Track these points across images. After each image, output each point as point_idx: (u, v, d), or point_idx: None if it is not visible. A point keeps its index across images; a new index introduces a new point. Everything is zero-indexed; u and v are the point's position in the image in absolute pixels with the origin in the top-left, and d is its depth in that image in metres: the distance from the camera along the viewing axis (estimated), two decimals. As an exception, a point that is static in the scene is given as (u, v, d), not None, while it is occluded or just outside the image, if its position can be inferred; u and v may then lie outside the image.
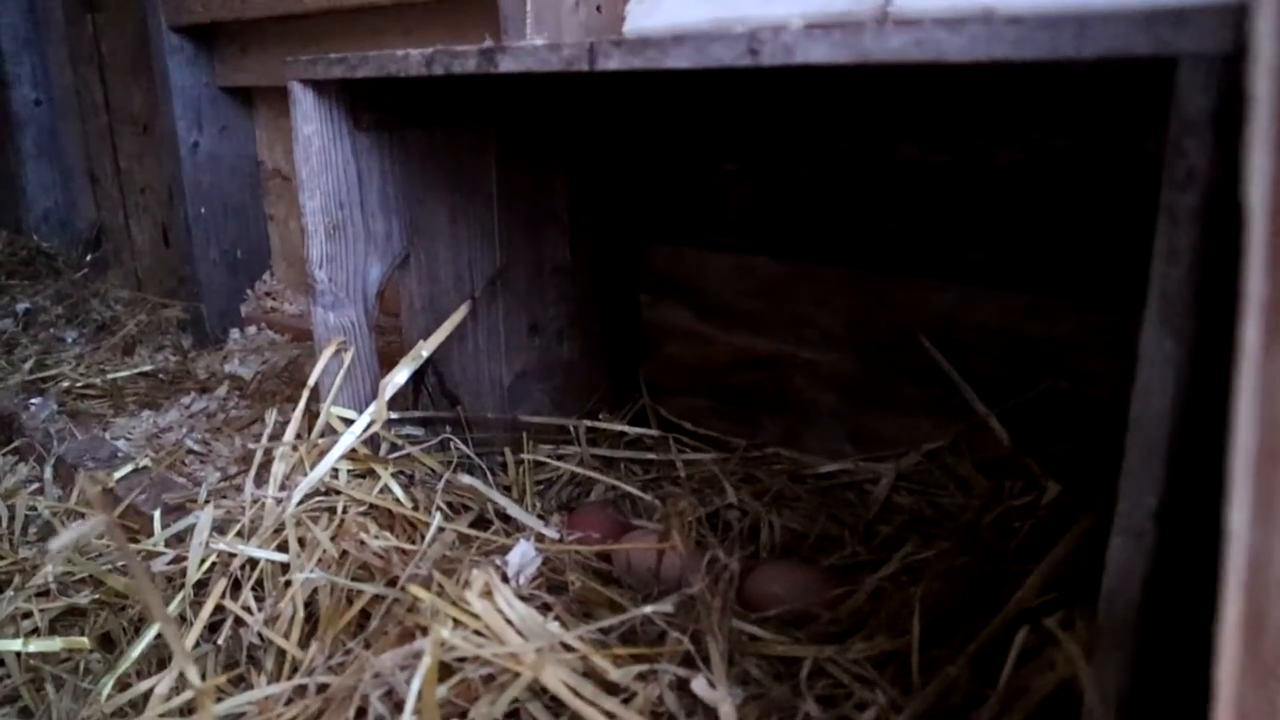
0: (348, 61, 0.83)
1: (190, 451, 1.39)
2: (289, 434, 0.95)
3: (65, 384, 1.68)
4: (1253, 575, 0.25)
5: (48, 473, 1.33)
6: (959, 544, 0.81)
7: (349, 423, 0.96)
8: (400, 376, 0.96)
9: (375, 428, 0.94)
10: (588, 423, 1.12)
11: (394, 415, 0.99)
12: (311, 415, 0.97)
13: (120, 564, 1.00)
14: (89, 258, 2.32)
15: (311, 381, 0.95)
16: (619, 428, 1.12)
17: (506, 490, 1.01)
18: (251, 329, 1.82)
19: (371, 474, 0.93)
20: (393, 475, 0.92)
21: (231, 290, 1.82)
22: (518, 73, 0.69)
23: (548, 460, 1.05)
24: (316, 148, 0.90)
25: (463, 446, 0.99)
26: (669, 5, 0.74)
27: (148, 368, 1.74)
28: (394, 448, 0.97)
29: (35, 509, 1.23)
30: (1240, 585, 0.25)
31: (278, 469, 0.92)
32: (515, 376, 1.09)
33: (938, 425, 0.99)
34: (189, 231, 1.76)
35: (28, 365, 1.76)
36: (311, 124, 0.90)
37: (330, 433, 0.95)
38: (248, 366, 1.68)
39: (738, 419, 1.13)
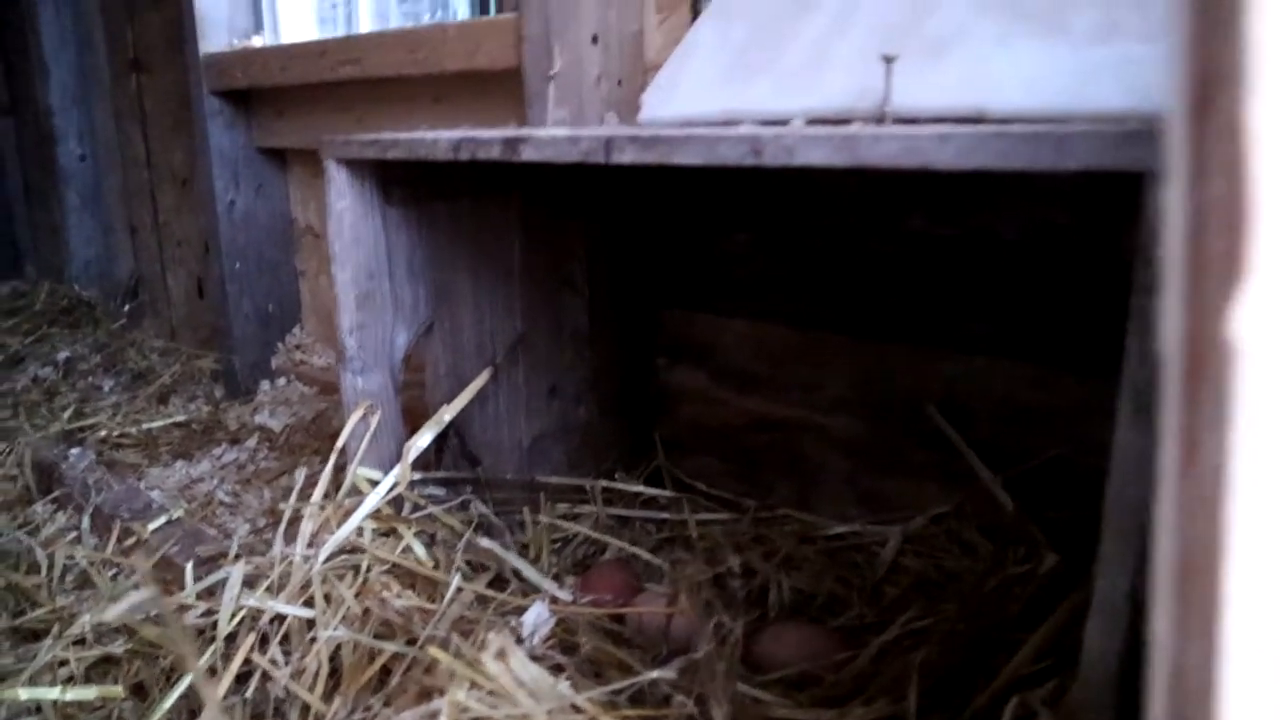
0: (379, 144, 0.88)
1: (221, 503, 1.44)
2: (317, 493, 0.99)
3: (103, 433, 1.73)
4: (1174, 681, 0.28)
5: (85, 522, 1.38)
6: (961, 609, 0.84)
7: (374, 483, 0.99)
8: (424, 440, 1.00)
9: (399, 489, 0.97)
10: (604, 483, 1.15)
11: (417, 476, 1.02)
12: (338, 474, 1.01)
13: (154, 614, 1.04)
14: (126, 308, 2.39)
15: (340, 444, 0.99)
16: (634, 488, 1.15)
17: (524, 549, 1.05)
18: (281, 380, 1.87)
19: (395, 533, 0.97)
20: (415, 534, 0.95)
21: (263, 343, 1.88)
22: (538, 162, 0.74)
23: (561, 523, 1.08)
24: (349, 223, 0.95)
25: (482, 507, 1.03)
26: (682, 97, 0.79)
27: (181, 418, 1.80)
28: (416, 507, 1.01)
29: (73, 558, 1.27)
30: (1164, 690, 0.28)
31: (305, 527, 0.96)
32: (534, 438, 1.13)
33: (945, 490, 1.02)
34: (224, 287, 1.82)
35: (67, 414, 1.82)
36: (344, 200, 0.94)
37: (356, 493, 0.99)
38: (277, 418, 1.72)
39: (750, 480, 1.16)
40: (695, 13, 1.16)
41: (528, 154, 0.75)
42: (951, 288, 1.00)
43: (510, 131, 0.79)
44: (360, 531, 0.96)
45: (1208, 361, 0.26)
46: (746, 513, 1.12)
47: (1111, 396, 0.91)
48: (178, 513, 1.33)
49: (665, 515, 1.13)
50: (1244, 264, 0.25)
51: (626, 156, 0.68)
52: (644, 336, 1.22)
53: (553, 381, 1.13)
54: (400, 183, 0.98)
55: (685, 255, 1.19)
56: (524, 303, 1.08)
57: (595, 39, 1.16)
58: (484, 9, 1.35)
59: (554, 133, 0.75)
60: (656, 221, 1.20)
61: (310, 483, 1.04)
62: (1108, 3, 0.63)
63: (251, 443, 1.66)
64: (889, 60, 0.64)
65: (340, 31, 1.77)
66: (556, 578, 0.95)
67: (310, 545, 0.95)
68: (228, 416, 1.80)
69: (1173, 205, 0.29)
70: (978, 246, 0.98)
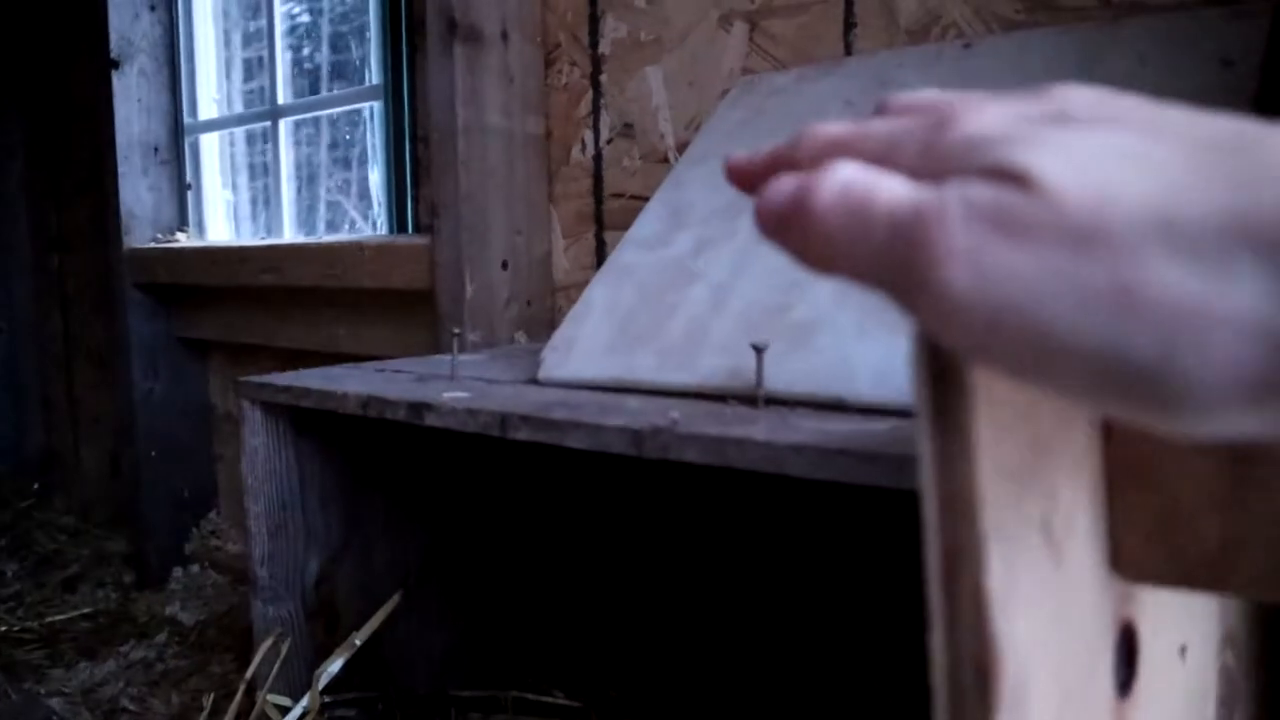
0: (293, 391, 0.93)
1: (126, 710, 1.41)
2: (224, 726, 0.99)
3: (2, 628, 1.69)
4: None
5: (-21, 739, 1.34)
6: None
7: (284, 709, 1.00)
8: (334, 666, 1.01)
9: (310, 718, 0.98)
10: (514, 693, 1.17)
11: (327, 699, 1.03)
12: (248, 697, 1.02)
13: None
14: (36, 485, 2.35)
15: (249, 673, 1.00)
16: (545, 699, 1.17)
17: (434, 769, 1.05)
18: (194, 567, 1.85)
19: (302, 764, 0.97)
20: (323, 766, 0.96)
21: (176, 528, 1.87)
22: (439, 427, 0.79)
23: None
24: (262, 458, 0.98)
25: (392, 731, 1.04)
26: (576, 360, 0.85)
27: (88, 609, 1.76)
28: (326, 733, 1.01)
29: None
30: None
31: (211, 763, 0.96)
32: (446, 651, 1.15)
33: None
34: (139, 472, 1.82)
35: (-35, 607, 1.77)
36: (259, 437, 0.98)
37: (264, 722, 0.99)
38: (189, 611, 1.71)
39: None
40: (600, 239, 1.25)
41: (431, 420, 0.80)
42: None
43: (417, 394, 0.84)
44: (267, 764, 0.96)
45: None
46: (654, 722, 1.14)
47: None
48: (79, 728, 1.31)
49: (576, 724, 1.15)
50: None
51: (521, 434, 0.73)
52: (554, 543, 1.26)
53: (467, 598, 1.16)
54: (314, 417, 1.02)
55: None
56: (436, 522, 1.12)
57: (505, 264, 1.23)
58: (401, 224, 1.42)
59: (456, 399, 0.80)
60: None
61: (218, 709, 1.04)
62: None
63: (161, 638, 1.63)
64: (759, 350, 0.71)
65: (263, 232, 1.83)
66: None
67: (215, 783, 0.95)
68: (137, 607, 1.77)
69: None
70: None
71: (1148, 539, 0.41)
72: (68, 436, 2.33)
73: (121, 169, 1.75)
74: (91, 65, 1.82)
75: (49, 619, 1.72)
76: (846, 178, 0.25)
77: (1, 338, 2.49)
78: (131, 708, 1.41)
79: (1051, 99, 0.26)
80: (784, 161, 0.31)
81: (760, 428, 0.64)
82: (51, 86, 2.22)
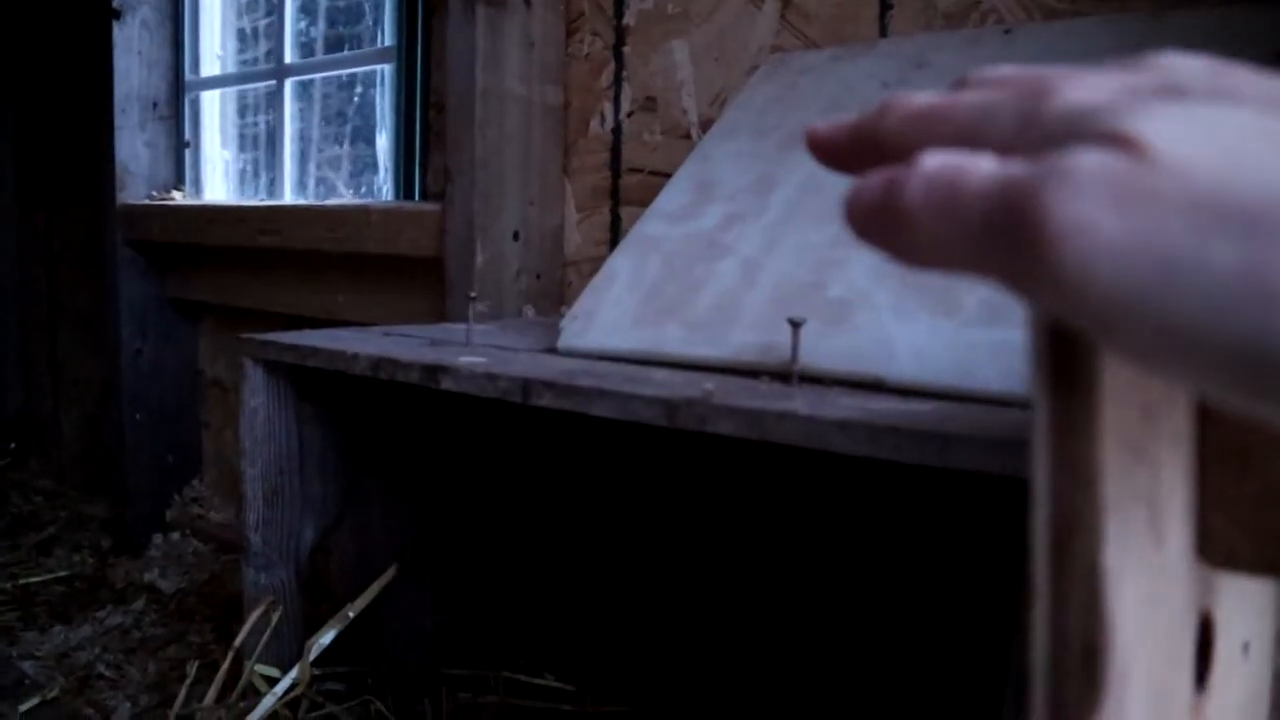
0: (298, 350, 0.90)
1: (101, 676, 1.37)
2: (210, 695, 0.96)
3: (-25, 588, 1.65)
4: None
5: (-52, 699, 1.30)
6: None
7: (272, 680, 0.97)
8: (326, 638, 0.98)
9: (299, 690, 0.95)
10: (506, 674, 1.14)
11: (318, 671, 1.00)
12: (235, 666, 0.98)
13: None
14: (12, 445, 2.30)
15: (238, 641, 0.97)
16: (537, 681, 1.14)
17: (423, 747, 1.02)
18: (175, 535, 1.81)
19: (289, 736, 0.94)
20: (311, 738, 0.93)
21: (158, 494, 1.83)
22: (456, 392, 0.76)
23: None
24: (262, 419, 0.95)
25: (381, 706, 1.01)
26: (598, 330, 0.82)
27: (64, 573, 1.72)
28: (314, 705, 0.98)
29: (-70, 742, 1.19)
30: None
31: (195, 732, 0.93)
32: (439, 627, 1.12)
33: None
34: (122, 435, 1.78)
35: (-63, 566, 1.73)
36: (258, 397, 0.95)
37: (253, 692, 0.96)
38: (168, 578, 1.66)
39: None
40: (615, 215, 1.22)
41: (447, 384, 0.77)
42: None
43: (432, 357, 0.81)
44: (253, 735, 0.93)
45: None
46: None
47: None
48: (53, 691, 1.27)
49: (567, 707, 1.13)
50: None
51: (544, 401, 0.70)
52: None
53: (462, 574, 1.13)
54: (317, 380, 0.99)
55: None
56: (435, 495, 1.09)
57: (516, 235, 1.20)
58: (409, 191, 1.39)
59: (474, 363, 0.77)
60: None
61: (204, 677, 1.01)
62: (992, 286, 0.69)
63: (139, 604, 1.59)
64: (796, 325, 0.68)
65: (262, 193, 1.79)
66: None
67: (199, 752, 0.92)
68: (114, 573, 1.73)
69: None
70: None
71: (1238, 524, 0.39)
72: (47, 398, 2.28)
73: (118, 122, 1.71)
74: (90, 15, 1.77)
75: (22, 581, 1.68)
76: (935, 168, 0.23)
77: (-18, 294, 2.43)
78: (107, 674, 1.37)
79: (1158, 69, 0.24)
80: (868, 133, 0.29)
81: (800, 403, 0.62)
82: (44, 36, 2.17)
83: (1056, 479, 0.30)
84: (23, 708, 1.22)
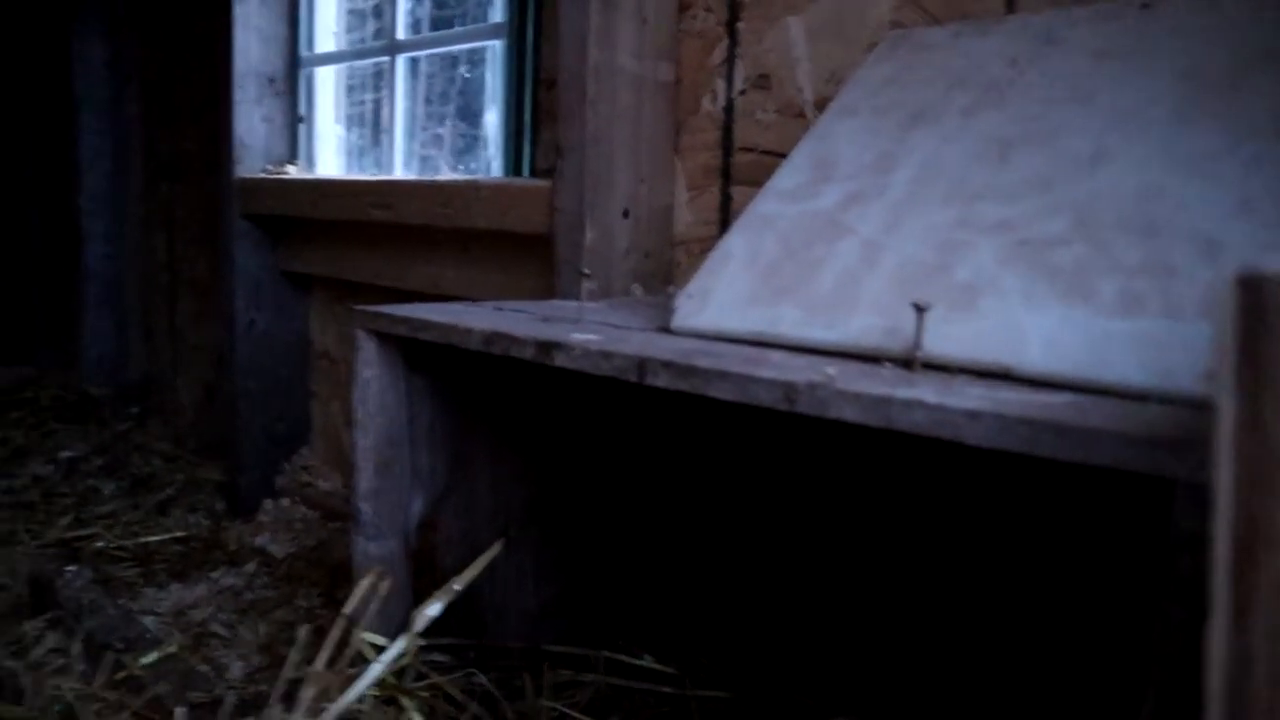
0: (411, 322, 0.90)
1: (216, 635, 1.42)
2: (320, 660, 0.98)
3: (100, 544, 1.72)
4: None
5: (76, 648, 1.36)
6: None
7: (378, 648, 0.99)
8: (433, 610, 0.99)
9: (406, 660, 0.97)
10: (606, 654, 1.14)
11: (423, 642, 1.02)
12: (343, 633, 1.01)
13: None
14: (135, 409, 2.40)
15: (348, 609, 0.99)
16: (637, 662, 1.14)
17: (524, 718, 1.03)
18: (285, 501, 1.87)
19: (396, 702, 0.96)
20: (415, 705, 0.95)
21: (269, 461, 1.88)
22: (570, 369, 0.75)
23: (556, 705, 1.07)
24: (374, 390, 0.97)
25: (484, 679, 1.02)
26: (713, 310, 0.81)
27: (180, 533, 1.79)
28: (420, 675, 1.00)
29: (59, 688, 1.25)
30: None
31: (305, 694, 0.95)
32: (542, 606, 1.12)
33: None
34: (235, 403, 1.84)
35: (65, 521, 1.81)
36: (371, 369, 0.96)
37: (360, 660, 0.98)
38: (278, 543, 1.72)
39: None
40: (725, 195, 1.20)
41: (560, 361, 0.76)
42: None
43: (545, 333, 0.81)
44: (361, 698, 0.95)
45: None
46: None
47: None
48: (171, 647, 1.32)
49: (667, 690, 1.12)
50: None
51: (660, 381, 0.69)
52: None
53: (564, 551, 1.13)
54: (428, 354, 1.00)
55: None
56: (541, 472, 1.09)
57: (626, 213, 1.19)
58: (517, 168, 1.39)
59: (588, 341, 0.77)
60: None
61: (313, 642, 1.03)
62: (1130, 272, 0.65)
63: (250, 567, 1.65)
64: (921, 309, 0.66)
65: (370, 169, 1.82)
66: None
67: (309, 714, 0.94)
68: (228, 535, 1.79)
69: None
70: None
71: None
72: (167, 364, 2.37)
73: (236, 97, 1.75)
74: (212, -8, 1.82)
75: (143, 539, 1.75)
76: None
77: (109, 264, 2.54)
78: (222, 633, 1.42)
79: None
80: None
81: (926, 390, 0.59)
82: (170, 13, 2.24)
83: (1241, 485, 0.28)
84: (144, 661, 1.26)
